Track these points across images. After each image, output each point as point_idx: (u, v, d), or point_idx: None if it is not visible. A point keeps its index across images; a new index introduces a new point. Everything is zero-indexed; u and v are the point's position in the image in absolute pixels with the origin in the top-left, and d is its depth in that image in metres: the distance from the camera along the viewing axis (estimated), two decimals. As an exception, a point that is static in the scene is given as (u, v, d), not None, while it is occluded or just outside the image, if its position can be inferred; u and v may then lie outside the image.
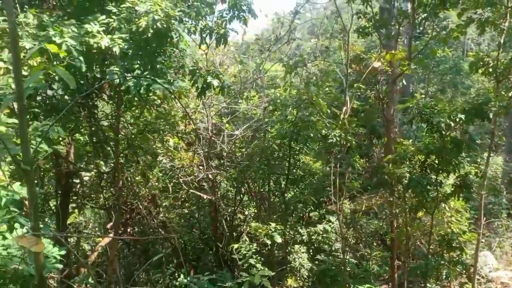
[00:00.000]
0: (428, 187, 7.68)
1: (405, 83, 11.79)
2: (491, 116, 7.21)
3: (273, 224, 5.64)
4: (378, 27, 10.12)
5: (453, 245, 8.78)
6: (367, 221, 11.28)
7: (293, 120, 7.95)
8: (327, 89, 8.55)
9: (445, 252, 9.04)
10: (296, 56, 10.65)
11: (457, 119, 6.99)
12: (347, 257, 10.36)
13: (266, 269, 5.16)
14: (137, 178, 8.75)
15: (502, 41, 9.25)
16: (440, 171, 7.72)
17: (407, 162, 8.04)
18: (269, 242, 5.59)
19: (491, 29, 9.70)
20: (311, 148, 10.57)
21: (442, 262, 9.02)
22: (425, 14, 9.71)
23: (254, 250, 5.37)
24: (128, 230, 10.42)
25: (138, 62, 6.24)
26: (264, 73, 10.87)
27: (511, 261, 12.20)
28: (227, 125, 10.03)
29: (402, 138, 10.09)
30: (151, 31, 6.03)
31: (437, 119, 6.93)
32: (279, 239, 5.47)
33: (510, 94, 8.64)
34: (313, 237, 9.50)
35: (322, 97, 7.94)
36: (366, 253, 11.06)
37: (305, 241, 9.46)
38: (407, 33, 10.77)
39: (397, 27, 10.27)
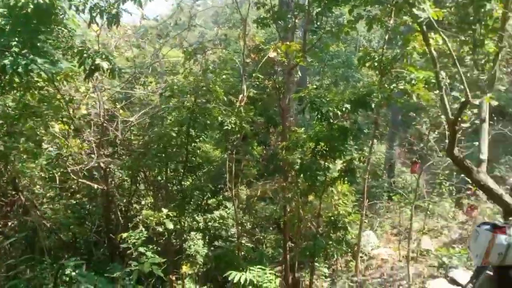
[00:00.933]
0: (317, 172, 8.18)
1: (300, 75, 12.32)
2: (373, 106, 7.86)
3: (165, 211, 5.57)
4: (276, 19, 10.44)
5: (339, 226, 9.52)
6: (263, 206, 11.70)
7: (190, 107, 7.89)
8: (224, 77, 8.61)
9: (332, 232, 9.75)
10: (198, 43, 10.56)
11: (344, 109, 7.51)
12: (243, 241, 10.66)
13: (157, 256, 5.09)
14: (17, 168, 8.00)
15: (387, 37, 10.13)
16: (328, 157, 8.26)
17: (299, 149, 8.48)
18: (160, 229, 5.50)
19: (378, 26, 10.53)
20: (211, 135, 10.60)
21: (330, 242, 9.72)
22: (319, 9, 10.24)
23: (144, 238, 5.26)
24: (9, 223, 9.52)
25: (17, 39, 5.69)
26: (162, 58, 10.58)
27: (390, 239, 13.52)
28: (121, 111, 9.60)
29: (297, 127, 10.60)
30: (31, 6, 5.52)
31: (326, 108, 7.39)
32: (170, 226, 5.42)
33: (392, 87, 9.50)
34: (209, 223, 9.60)
35: (219, 85, 7.99)
36: (261, 237, 11.48)
37: (201, 228, 9.52)
38: (304, 27, 11.23)
39: (293, 20, 10.69)
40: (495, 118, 11.33)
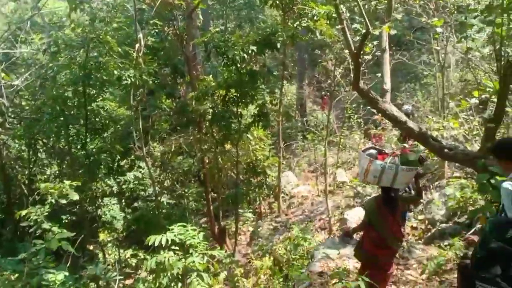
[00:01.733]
0: (231, 119, 7.95)
1: (202, 19, 11.69)
2: (278, 45, 7.66)
3: (67, 182, 5.02)
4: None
5: (258, 170, 9.54)
6: (180, 161, 11.34)
7: (82, 62, 7.06)
8: (115, 25, 7.78)
9: (252, 178, 9.77)
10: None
11: (250, 51, 7.22)
12: (164, 199, 10.34)
13: (65, 231, 4.61)
14: None
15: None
16: (240, 103, 8.03)
17: (210, 98, 8.13)
18: (64, 201, 4.97)
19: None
20: (112, 92, 9.80)
21: (251, 187, 9.77)
22: None
23: (48, 213, 4.72)
24: None
25: None
26: (42, 10, 9.30)
27: (308, 176, 14.01)
28: (3, 74, 8.41)
29: (206, 75, 10.16)
30: None
31: (232, 52, 7.04)
32: (75, 196, 4.90)
33: (295, 25, 9.35)
34: (123, 186, 9.08)
35: (111, 35, 7.20)
36: (183, 192, 11.23)
37: (115, 192, 8.99)
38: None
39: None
40: (394, 48, 11.79)
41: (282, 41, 7.76)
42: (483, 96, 6.66)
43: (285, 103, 17.61)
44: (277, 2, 9.43)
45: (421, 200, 9.07)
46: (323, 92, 12.04)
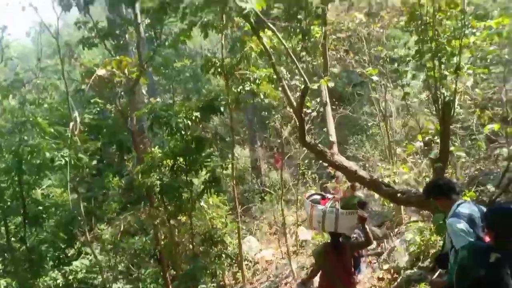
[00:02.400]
0: (181, 189, 7.62)
1: (146, 94, 11.61)
2: (222, 109, 7.60)
3: (2, 282, 4.41)
4: (103, 37, 9.62)
5: (216, 240, 9.07)
6: (134, 240, 10.64)
7: (13, 149, 6.62)
8: (46, 106, 7.47)
9: (210, 249, 9.26)
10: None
11: (193, 117, 7.09)
12: (119, 285, 9.51)
13: None
14: None
15: (223, 41, 10.07)
16: (189, 171, 7.75)
17: (157, 170, 7.80)
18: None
19: (213, 32, 10.41)
20: (54, 175, 9.24)
21: (211, 259, 9.21)
22: (149, 21, 9.72)
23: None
24: None
25: None
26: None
27: (270, 239, 13.56)
28: None
29: (154, 147, 9.91)
30: None
31: (175, 120, 6.87)
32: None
33: (238, 90, 9.47)
34: (70, 277, 8.28)
35: (43, 116, 6.88)
36: (139, 274, 10.42)
37: (61, 285, 8.15)
38: (138, 41, 10.55)
39: (124, 36, 9.98)
40: (336, 103, 12.16)
41: (225, 104, 7.72)
42: (427, 138, 6.82)
43: (240, 167, 17.49)
44: (219, 70, 9.57)
45: (379, 250, 8.94)
46: (274, 152, 12.05)
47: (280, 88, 8.49)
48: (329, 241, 4.82)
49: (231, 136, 10.49)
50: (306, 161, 12.65)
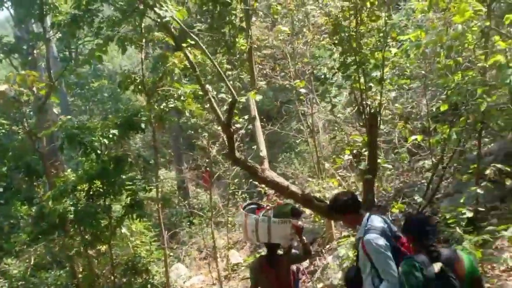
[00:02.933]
0: (98, 215, 6.85)
1: (57, 114, 10.64)
2: (143, 126, 7.03)
3: None
4: (9, 53, 8.73)
5: (139, 269, 8.30)
6: (47, 274, 9.46)
7: None
8: None
9: (134, 279, 8.47)
10: None
11: (110, 135, 6.45)
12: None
13: None
14: None
15: (143, 57, 9.56)
16: (107, 195, 7.02)
17: (71, 195, 6.96)
18: None
19: (132, 47, 9.84)
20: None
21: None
22: (60, 35, 8.95)
23: None
24: None
25: None
26: None
27: (200, 265, 12.91)
28: None
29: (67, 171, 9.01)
30: None
31: (89, 139, 6.19)
32: None
33: (162, 107, 8.97)
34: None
35: None
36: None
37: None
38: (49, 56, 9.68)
39: (32, 51, 9.13)
40: (265, 119, 12.05)
41: (146, 121, 7.17)
42: (354, 151, 6.82)
43: (166, 190, 16.71)
44: (139, 87, 9.02)
45: (312, 268, 8.77)
46: (201, 169, 11.60)
47: (207, 105, 8.17)
48: (263, 254, 4.66)
49: (155, 157, 9.90)
50: (236, 180, 12.31)
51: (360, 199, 4.62)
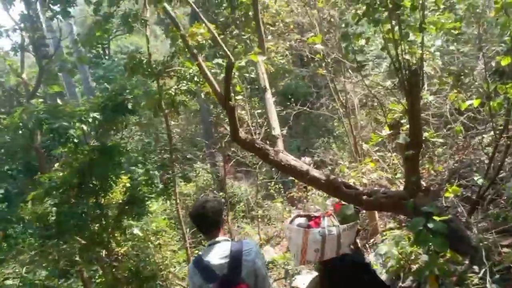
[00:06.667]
0: (85, 216, 5.81)
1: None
2: (129, 106, 5.89)
3: None
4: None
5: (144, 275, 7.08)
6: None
7: None
8: None
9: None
10: None
11: (90, 120, 5.38)
12: None
13: None
14: None
15: (148, 33, 8.60)
16: (98, 192, 5.98)
17: (57, 194, 5.99)
18: None
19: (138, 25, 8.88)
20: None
21: None
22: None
23: None
24: None
25: None
26: None
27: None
28: None
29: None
30: None
31: (61, 125, 5.13)
32: None
33: (174, 90, 8.05)
34: None
35: None
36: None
37: None
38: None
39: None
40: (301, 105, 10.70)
41: (134, 101, 6.02)
42: (392, 122, 5.37)
43: (201, 184, 15.83)
44: (149, 70, 8.08)
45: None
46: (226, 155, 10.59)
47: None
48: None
49: (170, 148, 8.90)
50: (264, 169, 11.08)
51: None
